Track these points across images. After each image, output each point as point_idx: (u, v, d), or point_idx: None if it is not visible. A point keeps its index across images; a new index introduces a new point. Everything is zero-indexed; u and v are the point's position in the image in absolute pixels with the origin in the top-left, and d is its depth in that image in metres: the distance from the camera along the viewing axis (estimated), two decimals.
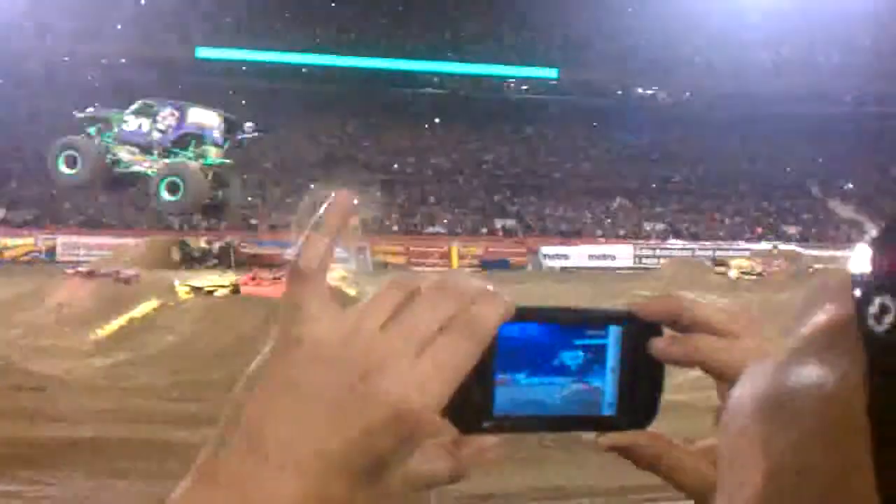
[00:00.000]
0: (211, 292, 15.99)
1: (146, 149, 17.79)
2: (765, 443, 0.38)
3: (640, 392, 0.62)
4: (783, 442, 0.37)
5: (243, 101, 59.48)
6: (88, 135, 19.75)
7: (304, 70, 64.32)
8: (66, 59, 60.55)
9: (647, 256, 43.03)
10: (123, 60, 61.47)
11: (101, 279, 18.46)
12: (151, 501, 7.49)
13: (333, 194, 0.59)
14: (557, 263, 41.50)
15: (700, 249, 43.42)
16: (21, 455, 8.24)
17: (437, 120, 60.65)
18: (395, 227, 46.68)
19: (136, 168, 17.40)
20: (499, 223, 48.35)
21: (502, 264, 40.26)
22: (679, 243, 45.73)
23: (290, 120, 57.71)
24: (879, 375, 0.33)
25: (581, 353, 0.60)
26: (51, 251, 38.81)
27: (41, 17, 57.01)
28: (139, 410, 10.07)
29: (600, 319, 0.61)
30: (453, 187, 52.58)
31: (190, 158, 17.20)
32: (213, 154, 17.55)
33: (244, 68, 62.98)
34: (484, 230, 47.44)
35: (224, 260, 22.28)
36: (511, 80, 67.32)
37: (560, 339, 0.60)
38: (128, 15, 60.30)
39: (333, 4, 65.22)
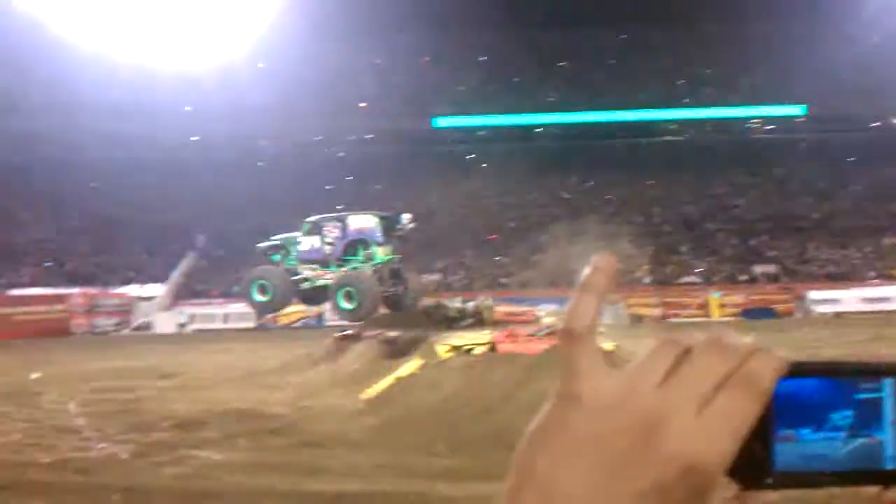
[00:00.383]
0: (469, 350, 16.20)
1: (323, 263, 18.96)
2: None
3: None
4: None
5: (483, 165, 61.20)
6: (273, 262, 21.28)
7: (539, 129, 65.04)
8: (320, 137, 65.05)
9: None
10: (370, 136, 65.11)
11: (367, 341, 19.29)
12: None
13: (598, 257, 0.60)
14: (828, 309, 38.57)
15: None
16: None
17: (680, 168, 59.07)
18: (647, 280, 45.62)
19: (320, 282, 18.59)
20: (757, 269, 45.94)
21: (766, 313, 38.11)
22: None
23: (531, 178, 58.47)
24: None
25: (858, 407, 0.59)
26: (320, 317, 41.33)
27: (289, 101, 61.60)
28: (407, 466, 10.27)
29: (875, 372, 0.60)
30: (705, 235, 50.75)
31: (361, 263, 18.20)
32: (380, 253, 18.54)
33: (481, 133, 64.63)
34: (742, 277, 45.22)
35: (479, 319, 22.57)
36: (755, 120, 64.60)
37: (835, 393, 0.59)
38: (369, 92, 64.01)
39: (563, 63, 65.74)
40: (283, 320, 41.13)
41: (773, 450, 0.57)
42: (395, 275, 18.73)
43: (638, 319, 38.48)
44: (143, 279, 46.68)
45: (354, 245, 19.03)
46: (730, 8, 61.77)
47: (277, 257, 20.90)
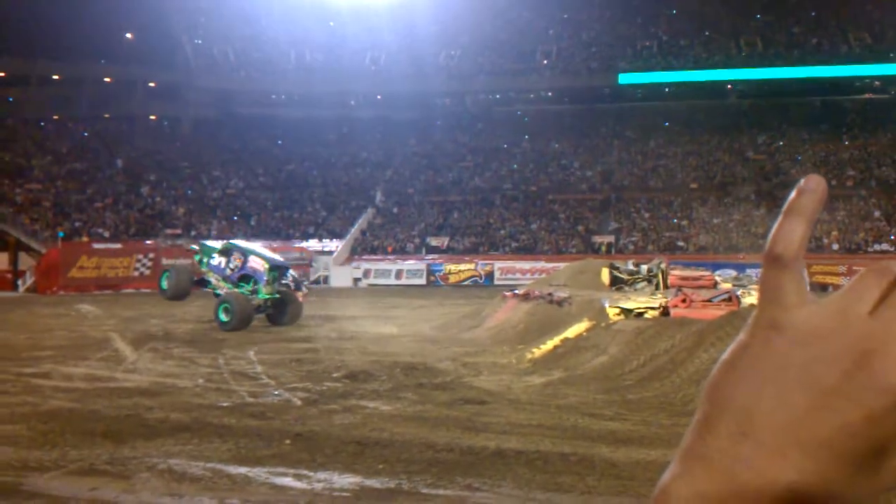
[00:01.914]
0: (641, 314, 15.81)
1: (223, 279, 23.11)
2: None
3: None
4: None
5: (666, 123, 59.32)
6: (194, 259, 25.15)
7: (728, 86, 62.12)
8: (498, 96, 64.83)
9: None
10: (550, 94, 64.27)
11: (536, 301, 19.20)
12: None
13: (805, 179, 0.56)
14: None
15: None
16: (459, 461, 8.69)
17: (879, 127, 55.05)
18: (835, 246, 43.04)
19: (216, 290, 22.92)
20: None
21: None
22: None
23: (715, 137, 56.21)
24: None
25: None
26: (489, 276, 41.64)
27: (469, 59, 61.53)
28: (569, 427, 10.13)
29: None
30: None
31: (248, 293, 22.17)
32: (264, 291, 22.23)
33: (666, 90, 62.41)
34: None
35: (653, 282, 22.00)
36: None
37: None
38: (551, 50, 63.03)
39: (757, 16, 62.36)
40: (453, 279, 41.72)
41: None
42: (277, 304, 22.48)
43: (822, 289, 36.41)
44: (323, 234, 48.52)
45: (247, 278, 22.75)
46: None
47: (198, 257, 24.44)
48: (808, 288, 0.54)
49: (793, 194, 0.55)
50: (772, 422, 0.50)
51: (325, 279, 43.33)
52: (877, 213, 46.09)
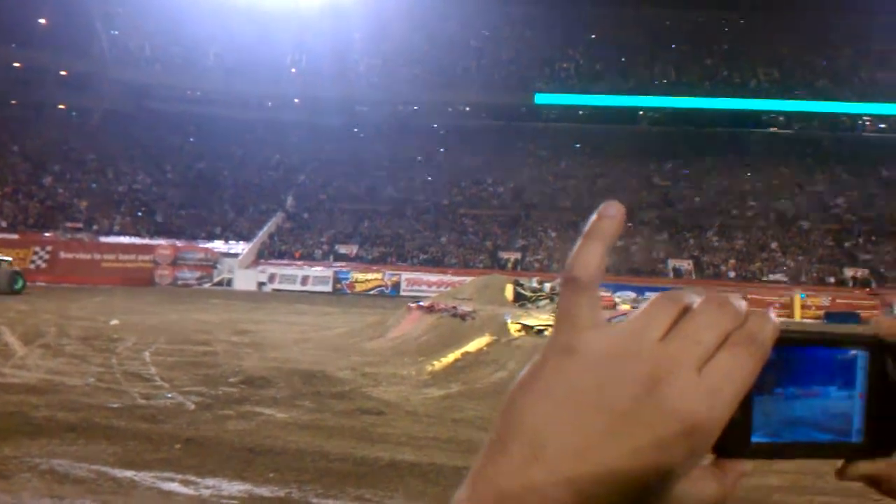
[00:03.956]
0: (541, 331, 16.05)
1: None
2: None
3: (887, 419, 0.59)
4: None
5: (577, 145, 60.43)
6: None
7: (640, 112, 63.74)
8: (416, 107, 65.02)
9: None
10: (467, 108, 64.79)
11: (440, 314, 19.30)
12: None
13: (605, 204, 0.57)
14: None
15: None
16: (351, 472, 8.68)
17: (781, 161, 57.25)
18: (732, 274, 44.52)
19: None
20: (848, 273, 44.35)
21: (851, 318, 36.84)
22: None
23: (624, 162, 57.51)
24: None
25: (833, 379, 0.59)
26: (395, 286, 41.64)
27: (390, 69, 61.56)
28: (464, 440, 10.22)
29: (849, 343, 0.59)
30: (798, 233, 49.20)
31: None
32: None
33: (580, 112, 63.62)
34: (831, 280, 43.74)
35: (556, 300, 22.37)
36: (867, 117, 62.14)
37: (812, 362, 0.59)
38: (471, 65, 63.60)
39: (673, 46, 64.13)
40: (360, 287, 41.59)
41: (752, 419, 0.56)
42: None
43: None
44: (230, 236, 47.74)
45: None
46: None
47: None
48: (603, 313, 0.54)
49: (593, 219, 0.56)
50: (561, 446, 0.50)
51: (229, 282, 42.62)
52: (773, 245, 47.85)
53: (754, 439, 0.56)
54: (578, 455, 0.50)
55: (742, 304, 0.55)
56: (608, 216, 0.56)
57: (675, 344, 0.52)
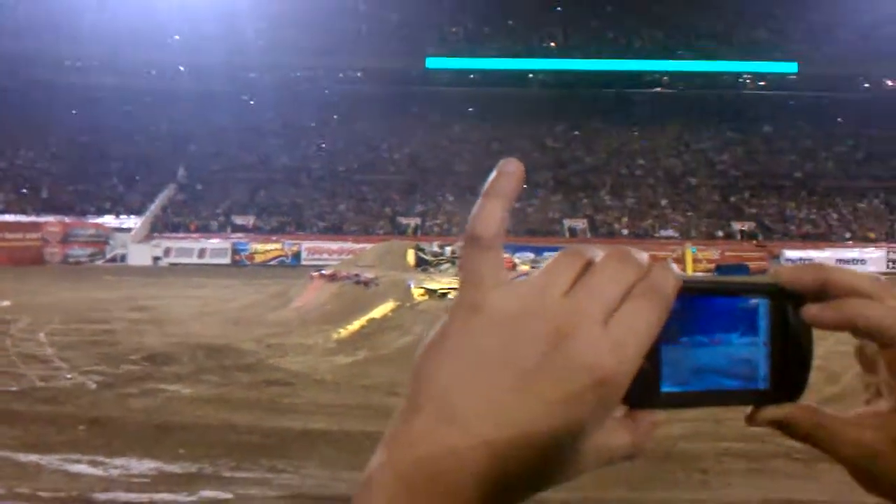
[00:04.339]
0: (444, 294, 16.22)
1: None
2: None
3: (792, 363, 0.62)
4: None
5: (470, 109, 60.76)
6: None
7: (530, 75, 64.40)
8: (307, 73, 64.11)
9: None
10: (359, 74, 64.24)
11: (343, 282, 19.29)
12: None
13: (503, 162, 0.57)
14: None
15: None
16: (262, 444, 8.68)
17: (668, 120, 58.90)
18: (625, 231, 45.75)
19: None
20: (736, 226, 46.17)
21: (741, 269, 38.41)
22: None
23: (517, 125, 58.14)
24: None
25: (737, 327, 0.60)
26: (296, 255, 41.26)
27: (280, 34, 60.44)
28: (375, 405, 10.31)
29: (751, 292, 0.61)
30: (686, 189, 50.84)
31: None
32: None
33: (471, 76, 63.87)
34: (720, 234, 45.44)
35: (456, 263, 22.63)
36: (747, 75, 64.33)
37: (716, 312, 0.60)
38: (361, 29, 63.02)
39: (559, 8, 64.91)
40: (259, 258, 41.04)
41: (661, 369, 0.57)
42: None
43: None
44: (121, 210, 46.33)
45: None
46: None
47: None
48: (506, 271, 0.54)
49: (492, 176, 0.56)
50: (471, 404, 0.50)
51: (122, 257, 41.43)
52: (664, 202, 49.33)
53: (664, 389, 0.57)
54: (490, 415, 0.49)
55: (643, 257, 0.56)
56: (507, 172, 0.56)
57: (579, 298, 0.52)
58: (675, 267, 0.58)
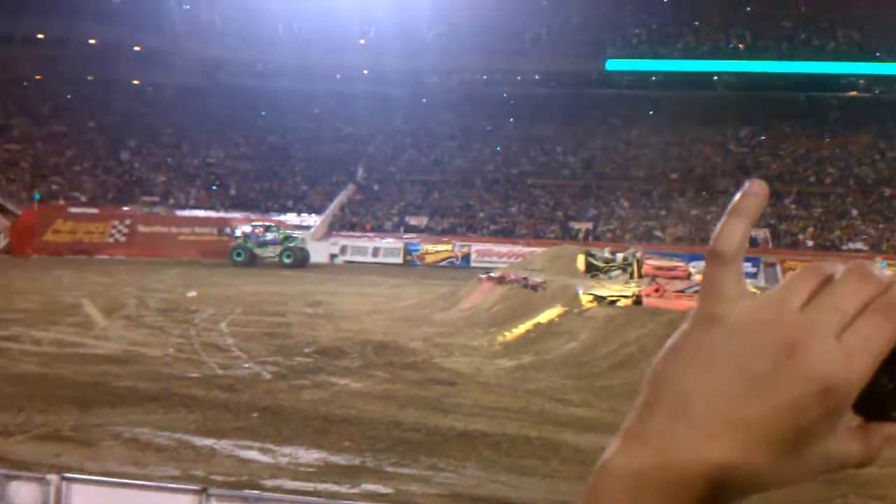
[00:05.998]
0: (613, 302, 15.90)
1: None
2: None
3: None
4: None
5: (650, 112, 59.41)
6: None
7: (715, 77, 62.22)
8: (485, 76, 64.58)
9: None
10: (537, 77, 64.09)
11: (511, 285, 19.28)
12: (535, 494, 7.57)
13: (749, 183, 0.60)
14: None
15: None
16: (425, 441, 8.77)
17: (861, 126, 55.44)
18: (810, 242, 43.40)
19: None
20: None
21: None
22: None
23: (698, 129, 56.35)
24: None
25: None
26: (466, 257, 41.65)
27: (458, 37, 61.12)
28: (536, 411, 10.24)
29: None
30: (879, 200, 47.67)
31: None
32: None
33: (653, 78, 62.41)
34: None
35: (628, 271, 22.12)
36: None
37: None
38: (541, 31, 62.86)
39: (749, 7, 62.41)
40: (430, 259, 41.70)
41: None
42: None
43: None
44: (302, 208, 48.30)
45: None
46: None
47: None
48: (745, 284, 0.58)
49: (737, 196, 0.59)
50: (705, 406, 0.54)
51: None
52: (854, 212, 46.50)
53: None
54: (719, 415, 0.54)
55: (885, 274, 0.58)
56: (752, 194, 0.59)
57: (814, 312, 0.55)
58: None
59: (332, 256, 42.66)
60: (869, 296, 0.56)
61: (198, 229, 40.32)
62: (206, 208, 46.25)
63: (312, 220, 46.43)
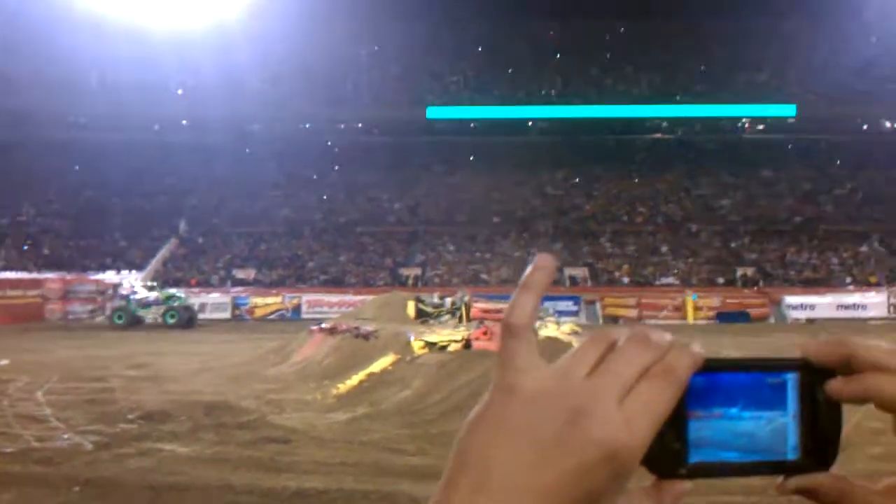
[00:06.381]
0: (444, 347, 16.14)
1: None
2: None
3: (821, 434, 0.66)
4: None
5: (471, 158, 61.06)
6: None
7: (530, 123, 64.81)
8: (308, 125, 64.56)
9: None
10: (360, 125, 64.68)
11: (343, 335, 19.20)
12: None
13: (539, 257, 0.66)
14: (802, 314, 38.85)
15: None
16: (259, 503, 8.60)
17: (667, 166, 59.13)
18: (626, 279, 45.65)
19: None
20: (737, 272, 46.06)
21: (742, 317, 38.26)
22: None
23: (517, 173, 58.35)
24: None
25: (764, 401, 0.65)
26: (296, 309, 41.15)
27: (281, 86, 60.92)
28: (372, 463, 10.22)
29: (779, 368, 0.66)
30: (686, 236, 50.83)
31: None
32: None
33: (472, 125, 64.26)
34: (721, 280, 45.30)
35: (457, 315, 22.55)
36: (746, 119, 64.71)
37: (744, 387, 0.65)
38: (362, 80, 63.57)
39: (558, 55, 65.51)
40: (259, 312, 40.91)
41: (687, 441, 0.62)
42: None
43: (614, 320, 38.55)
44: (122, 265, 46.34)
45: None
46: (726, 4, 61.64)
47: None
48: (539, 354, 0.62)
49: (528, 270, 0.64)
50: (504, 476, 0.57)
51: None
52: (664, 248, 49.30)
53: (691, 460, 0.62)
54: (517, 486, 0.57)
55: (664, 339, 0.62)
56: (540, 268, 0.65)
57: (598, 379, 0.59)
58: (697, 348, 0.63)
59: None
60: (649, 361, 0.60)
61: (9, 292, 37.82)
62: (17, 269, 43.57)
63: (133, 277, 44.60)
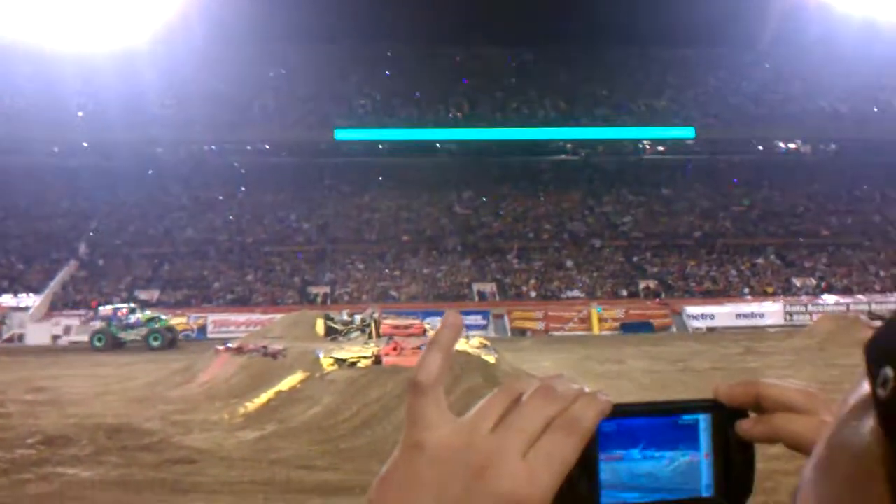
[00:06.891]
0: (354, 363, 16.14)
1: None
2: (814, 492, 0.48)
3: (735, 472, 0.68)
4: (825, 489, 0.48)
5: (380, 178, 61.16)
6: None
7: (438, 145, 65.37)
8: (214, 147, 63.67)
9: (798, 313, 41.19)
10: (267, 146, 64.11)
11: (250, 354, 19.00)
12: None
13: (447, 314, 0.67)
14: (703, 324, 40.19)
15: (854, 304, 41.34)
16: None
17: (571, 185, 60.46)
18: (533, 293, 46.36)
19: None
20: (640, 285, 47.32)
21: (645, 327, 39.30)
22: (832, 298, 43.49)
23: (425, 192, 58.73)
24: (886, 432, 0.43)
25: (676, 442, 0.67)
26: (202, 329, 40.42)
27: (186, 108, 59.98)
28: (282, 481, 10.17)
29: (691, 410, 0.68)
30: (590, 251, 51.98)
31: None
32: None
33: (380, 147, 64.44)
34: (624, 293, 46.48)
35: (367, 331, 22.54)
36: (647, 141, 66.62)
37: (656, 430, 0.66)
38: (269, 103, 63.08)
39: (465, 80, 66.37)
40: None
41: (598, 486, 0.63)
42: None
43: (522, 333, 39.10)
44: (18, 288, 44.76)
45: None
46: (628, 32, 64.00)
47: None
48: (447, 410, 0.63)
49: (437, 328, 0.65)
50: None
51: (21, 337, 39.92)
52: (569, 263, 50.25)
53: (603, 502, 0.64)
54: None
55: (570, 389, 0.64)
56: (448, 326, 0.65)
57: (503, 433, 0.60)
58: (605, 396, 0.64)
59: (55, 338, 39.80)
60: (553, 413, 0.61)
61: None
62: None
63: (31, 300, 43.13)
